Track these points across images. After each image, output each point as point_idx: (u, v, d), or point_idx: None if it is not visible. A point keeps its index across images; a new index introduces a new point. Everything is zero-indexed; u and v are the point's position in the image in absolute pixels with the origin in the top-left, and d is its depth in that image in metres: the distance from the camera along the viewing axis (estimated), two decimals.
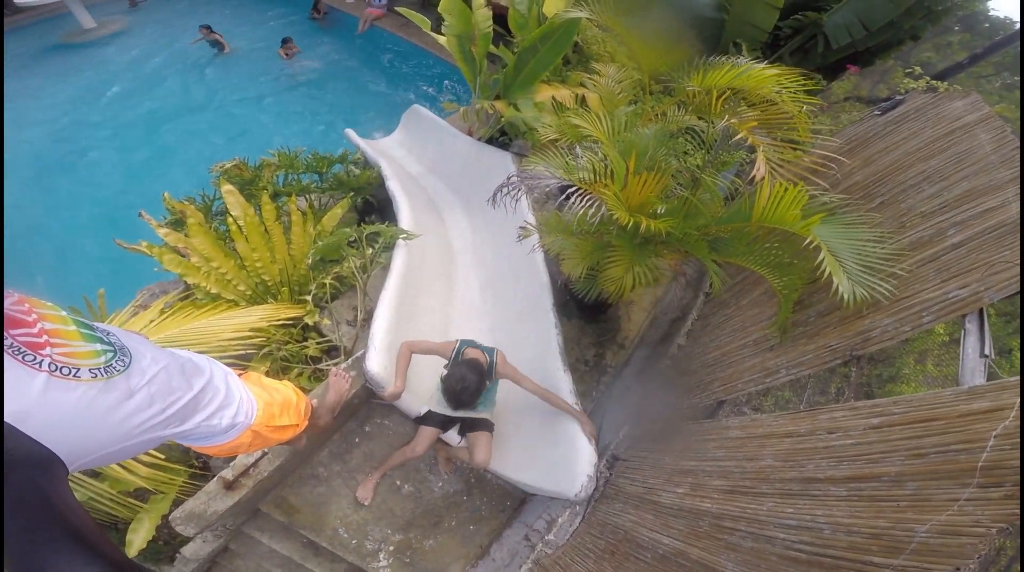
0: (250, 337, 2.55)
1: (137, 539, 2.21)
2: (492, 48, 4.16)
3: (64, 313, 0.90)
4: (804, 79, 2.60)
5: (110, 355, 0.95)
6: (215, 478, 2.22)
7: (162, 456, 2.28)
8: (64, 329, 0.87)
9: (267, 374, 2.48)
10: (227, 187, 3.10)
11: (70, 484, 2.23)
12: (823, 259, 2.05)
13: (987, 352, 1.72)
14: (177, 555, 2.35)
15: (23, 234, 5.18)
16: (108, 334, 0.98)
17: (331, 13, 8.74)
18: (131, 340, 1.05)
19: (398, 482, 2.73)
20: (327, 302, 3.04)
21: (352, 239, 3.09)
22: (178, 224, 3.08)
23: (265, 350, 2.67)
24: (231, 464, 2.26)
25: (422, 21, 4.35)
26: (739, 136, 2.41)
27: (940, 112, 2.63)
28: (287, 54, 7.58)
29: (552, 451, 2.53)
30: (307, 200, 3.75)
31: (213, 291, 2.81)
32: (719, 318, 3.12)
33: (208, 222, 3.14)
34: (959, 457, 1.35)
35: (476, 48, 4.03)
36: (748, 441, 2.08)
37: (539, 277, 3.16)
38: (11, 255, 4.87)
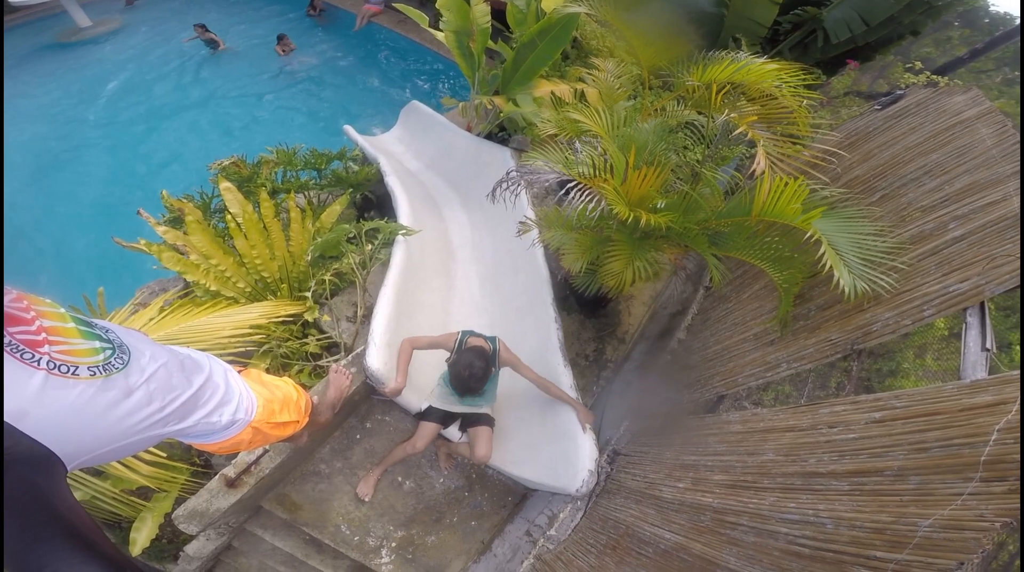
0: (250, 334, 2.54)
1: (141, 537, 2.21)
2: (490, 44, 4.14)
3: (63, 310, 0.89)
4: (804, 74, 2.59)
5: (109, 353, 0.94)
6: (217, 476, 2.22)
7: (164, 454, 2.28)
8: (62, 327, 0.86)
9: (267, 371, 2.48)
10: (225, 184, 3.08)
11: (73, 482, 2.24)
12: (824, 253, 2.05)
13: (988, 346, 1.72)
14: (181, 553, 2.35)
15: (21, 233, 5.17)
16: (107, 331, 0.97)
17: (328, 10, 8.69)
18: (130, 337, 1.04)
19: (399, 478, 2.73)
20: (327, 299, 3.04)
21: (351, 235, 3.08)
22: (177, 222, 3.07)
23: (265, 347, 2.67)
24: (233, 462, 2.26)
25: (420, 17, 4.32)
26: (739, 130, 2.40)
27: (941, 107, 2.62)
28: (283, 51, 7.54)
29: (553, 446, 2.53)
30: (306, 197, 3.74)
31: (212, 289, 2.81)
32: (719, 312, 3.12)
33: (207, 220, 3.12)
34: (962, 451, 1.34)
35: (474, 44, 4.01)
36: (749, 435, 2.08)
37: (539, 272, 3.16)
38: (9, 254, 4.86)
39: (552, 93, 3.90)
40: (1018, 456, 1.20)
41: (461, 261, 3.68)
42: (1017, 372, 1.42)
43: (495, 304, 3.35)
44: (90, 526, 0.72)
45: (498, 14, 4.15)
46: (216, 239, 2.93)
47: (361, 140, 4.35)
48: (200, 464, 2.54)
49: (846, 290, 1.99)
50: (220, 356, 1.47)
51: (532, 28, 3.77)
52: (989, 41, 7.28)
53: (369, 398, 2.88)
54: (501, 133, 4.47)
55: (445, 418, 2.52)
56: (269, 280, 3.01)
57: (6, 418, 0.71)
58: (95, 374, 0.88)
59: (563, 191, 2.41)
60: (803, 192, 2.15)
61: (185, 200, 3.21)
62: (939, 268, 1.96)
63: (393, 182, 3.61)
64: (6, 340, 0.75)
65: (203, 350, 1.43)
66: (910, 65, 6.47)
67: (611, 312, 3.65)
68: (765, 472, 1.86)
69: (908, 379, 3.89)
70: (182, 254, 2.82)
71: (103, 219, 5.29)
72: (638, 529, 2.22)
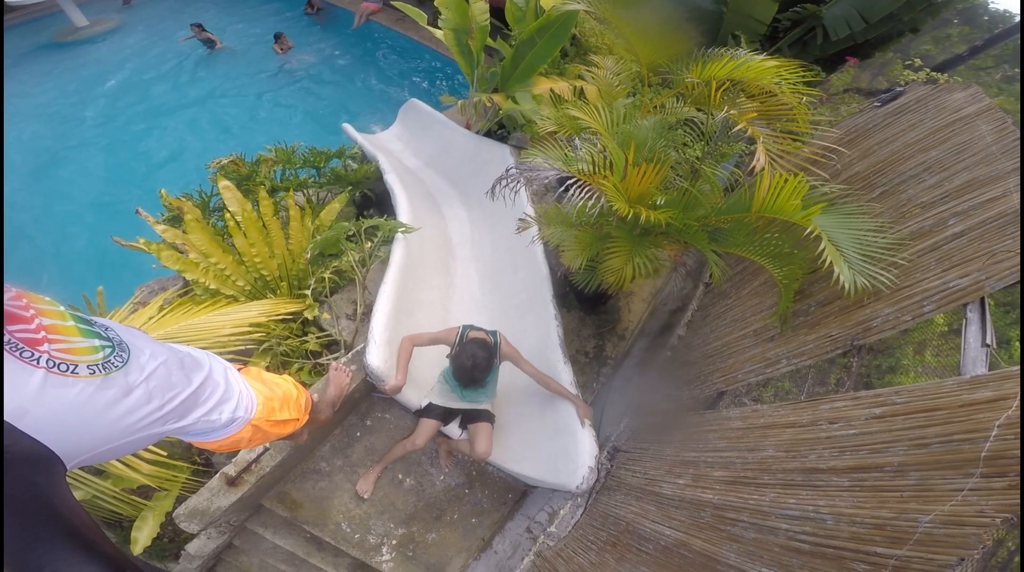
0: (250, 332, 2.54)
1: (142, 536, 2.21)
2: (489, 41, 4.13)
3: (62, 308, 0.89)
4: (803, 71, 2.59)
5: (108, 351, 0.94)
6: (218, 474, 2.23)
7: (164, 453, 2.28)
8: (62, 325, 0.86)
9: (267, 369, 2.48)
10: (224, 183, 3.07)
11: (74, 481, 2.24)
12: (824, 248, 2.05)
13: (988, 341, 1.72)
14: (182, 552, 2.36)
15: (20, 233, 5.16)
16: (106, 329, 0.97)
17: (327, 8, 8.67)
18: (130, 335, 1.04)
19: (400, 476, 2.73)
20: (326, 296, 3.04)
21: (351, 233, 3.08)
22: (175, 221, 3.06)
23: (265, 345, 2.66)
24: (233, 460, 2.26)
25: (418, 15, 4.31)
26: (738, 127, 2.40)
27: (940, 103, 2.62)
28: (281, 49, 7.53)
29: (553, 443, 2.53)
30: (305, 195, 3.74)
31: (212, 287, 2.80)
32: (719, 308, 3.12)
33: (206, 218, 3.12)
34: (962, 447, 1.34)
35: (473, 41, 4.00)
36: (749, 432, 2.08)
37: (538, 269, 3.16)
38: (8, 254, 4.86)
39: (551, 90, 3.89)
40: (1018, 452, 1.20)
41: (460, 258, 3.68)
42: (1017, 368, 1.42)
43: (495, 301, 3.35)
44: (90, 525, 0.72)
45: (497, 12, 4.14)
46: (215, 237, 2.93)
47: (360, 138, 4.34)
48: (201, 463, 2.54)
49: (846, 286, 1.99)
50: (220, 354, 1.47)
51: (531, 25, 3.76)
52: (988, 38, 7.28)
53: (369, 396, 2.88)
54: (500, 131, 4.46)
55: (445, 415, 2.52)
56: (268, 278, 3.01)
57: (6, 417, 0.71)
58: (95, 372, 0.88)
59: (563, 188, 2.40)
60: (803, 188, 2.15)
61: (184, 199, 3.20)
62: (939, 264, 1.96)
63: (392, 180, 3.61)
64: (5, 338, 0.74)
65: (203, 348, 1.43)
66: (910, 62, 6.46)
67: (611, 309, 3.65)
68: (765, 468, 1.86)
69: (908, 375, 3.89)
70: (181, 253, 2.82)
71: (102, 218, 5.29)
72: (638, 526, 2.23)
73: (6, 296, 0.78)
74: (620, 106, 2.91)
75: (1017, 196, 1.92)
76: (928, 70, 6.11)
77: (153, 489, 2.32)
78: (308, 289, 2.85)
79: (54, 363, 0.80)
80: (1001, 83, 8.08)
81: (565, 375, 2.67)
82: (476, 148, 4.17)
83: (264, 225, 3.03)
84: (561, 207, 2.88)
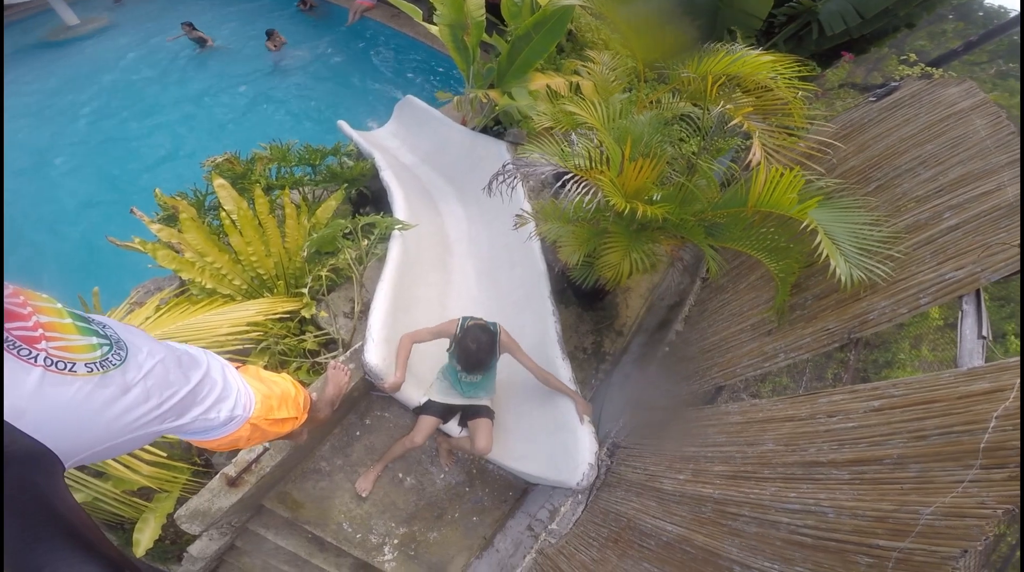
0: (247, 332, 2.53)
1: (144, 538, 2.20)
2: (485, 37, 4.12)
3: (59, 306, 0.88)
4: (799, 66, 2.59)
5: (106, 349, 0.93)
6: (218, 475, 2.22)
7: (164, 454, 2.27)
8: (60, 322, 0.85)
9: (265, 368, 2.47)
10: (219, 181, 3.05)
11: (74, 484, 2.22)
12: (820, 242, 2.06)
13: (985, 333, 1.73)
14: (184, 554, 2.35)
15: (16, 235, 5.11)
16: (104, 327, 0.96)
17: (321, 5, 8.63)
18: (127, 333, 1.03)
19: (400, 475, 2.73)
20: (324, 295, 3.02)
21: (347, 231, 3.07)
22: (171, 220, 3.04)
23: (263, 344, 2.65)
24: (233, 460, 2.25)
25: (413, 11, 4.29)
26: (734, 122, 2.40)
27: (935, 98, 2.63)
28: (274, 46, 7.48)
29: (553, 440, 2.53)
30: (300, 193, 3.72)
31: (208, 286, 2.79)
32: (716, 303, 3.12)
33: (201, 217, 3.10)
34: (961, 438, 1.35)
35: (469, 37, 3.98)
36: (749, 426, 2.09)
37: (536, 265, 3.15)
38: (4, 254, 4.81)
39: (547, 86, 3.89)
40: (1017, 443, 1.21)
41: (458, 255, 3.67)
42: (1013, 359, 1.43)
43: (492, 298, 3.35)
44: (89, 525, 0.72)
45: (492, 7, 4.12)
46: (211, 236, 2.91)
47: (355, 135, 4.32)
48: (201, 464, 2.53)
49: (843, 279, 2.00)
50: (217, 354, 1.46)
51: (527, 21, 3.75)
52: (983, 34, 7.32)
53: (368, 394, 2.87)
54: (496, 127, 4.45)
55: (445, 412, 2.52)
56: (265, 277, 2.99)
57: (4, 416, 0.70)
58: (92, 371, 0.87)
59: (559, 184, 2.40)
60: (799, 182, 2.16)
61: (179, 198, 3.17)
62: (934, 257, 1.97)
63: (388, 177, 3.59)
64: (4, 336, 0.74)
65: (200, 348, 1.42)
66: (904, 57, 6.50)
67: (608, 305, 3.65)
68: (765, 462, 1.86)
69: (905, 370, 3.92)
70: (177, 252, 2.80)
71: (95, 218, 5.24)
72: (640, 522, 2.23)
73: (4, 293, 0.77)
74: (616, 101, 2.90)
75: (1012, 189, 1.93)
76: (923, 65, 6.15)
77: (153, 491, 2.31)
78: (305, 287, 2.84)
79: (52, 361, 0.79)
80: (995, 78, 8.14)
81: (564, 371, 2.67)
82: (472, 144, 4.16)
83: (260, 223, 3.02)
84: (558, 203, 2.88)
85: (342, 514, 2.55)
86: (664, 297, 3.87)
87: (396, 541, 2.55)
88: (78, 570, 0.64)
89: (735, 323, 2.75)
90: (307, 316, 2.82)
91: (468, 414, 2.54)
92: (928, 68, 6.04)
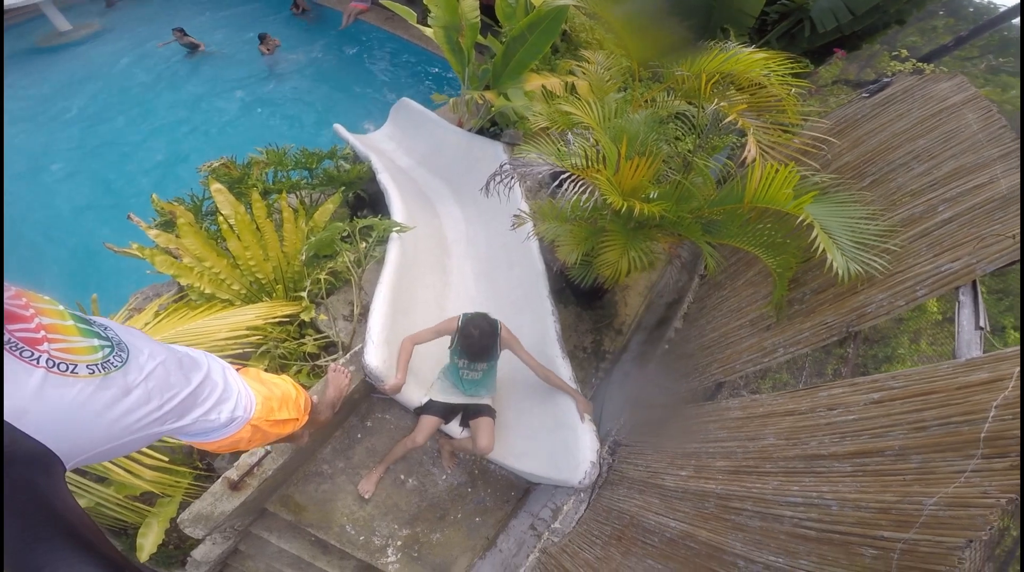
0: (247, 336, 2.52)
1: (147, 543, 2.20)
2: (480, 38, 4.13)
3: (61, 308, 0.88)
4: (791, 62, 2.61)
5: (107, 350, 0.93)
6: (220, 479, 2.22)
7: (166, 458, 2.27)
8: (61, 324, 0.85)
9: (265, 372, 2.46)
10: (216, 186, 3.05)
11: (76, 489, 2.21)
12: (816, 237, 2.07)
13: (982, 324, 1.74)
14: (188, 558, 2.35)
15: (11, 240, 5.08)
16: (105, 329, 0.96)
17: (314, 9, 8.63)
18: (128, 335, 1.02)
19: (402, 476, 2.73)
20: (323, 298, 3.02)
21: (345, 234, 3.07)
22: (168, 225, 3.03)
23: (262, 348, 2.65)
24: (235, 464, 2.25)
25: (408, 14, 4.30)
26: (729, 119, 2.42)
27: (927, 93, 2.65)
28: (268, 49, 7.46)
29: (554, 439, 2.54)
30: (298, 197, 3.71)
31: (207, 291, 2.78)
32: (715, 300, 3.13)
33: (198, 222, 3.09)
34: (961, 429, 1.35)
35: (464, 39, 3.99)
36: (749, 421, 2.09)
37: (534, 265, 3.16)
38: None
39: (543, 86, 3.90)
40: (1018, 432, 1.21)
41: (456, 256, 3.68)
42: (1011, 349, 1.44)
43: (491, 298, 3.35)
44: (89, 525, 0.71)
45: (487, 9, 4.13)
46: (209, 241, 2.91)
47: (352, 138, 4.32)
48: (203, 468, 2.52)
49: (840, 272, 2.01)
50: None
51: (521, 22, 3.76)
52: (973, 29, 7.38)
53: (369, 396, 2.87)
54: (493, 128, 4.46)
55: (446, 411, 2.52)
56: (264, 281, 2.99)
57: (5, 417, 0.70)
58: (94, 372, 0.87)
59: (556, 183, 2.41)
60: (794, 178, 2.17)
61: (176, 203, 3.17)
62: (930, 249, 1.98)
63: (385, 179, 3.60)
64: (5, 338, 0.74)
65: None
66: (896, 53, 6.54)
67: (607, 303, 3.66)
68: (767, 457, 1.87)
69: (904, 364, 3.93)
70: (175, 257, 2.79)
71: (92, 224, 5.22)
72: (643, 519, 2.23)
73: (5, 295, 0.77)
74: (611, 101, 2.92)
75: (1004, 182, 1.95)
76: (914, 61, 6.20)
77: (156, 495, 2.30)
78: (304, 291, 2.83)
79: (54, 363, 0.79)
80: (986, 73, 8.20)
81: (564, 370, 2.67)
82: (469, 146, 4.16)
83: (258, 228, 3.01)
84: (555, 202, 2.89)
85: (345, 516, 2.55)
86: (663, 295, 3.88)
87: (399, 543, 2.55)
88: (78, 570, 0.64)
89: (734, 319, 2.76)
90: (306, 319, 2.82)
91: (469, 413, 2.54)
92: (920, 64, 6.09)
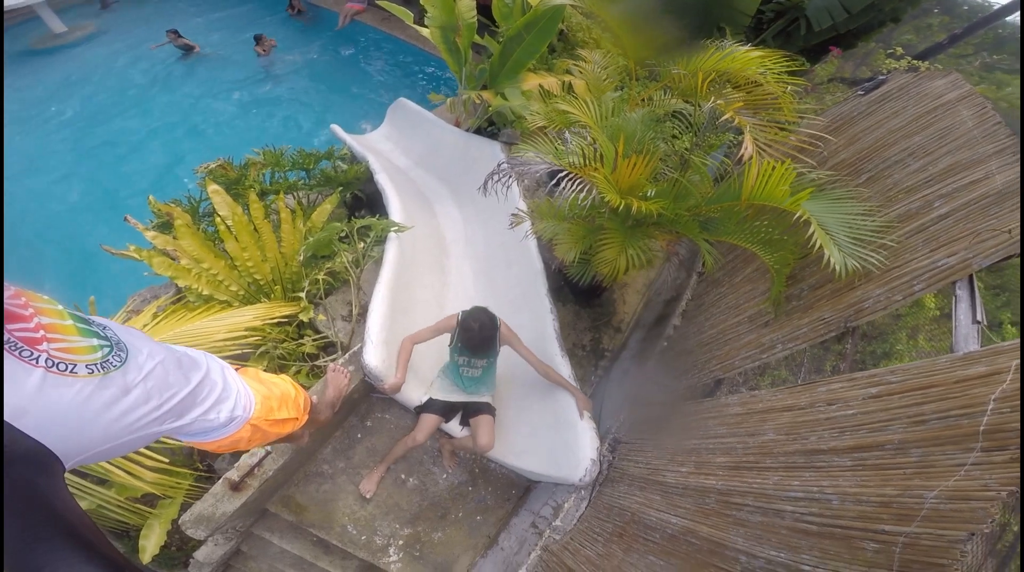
0: (245, 337, 2.52)
1: (150, 545, 2.21)
2: (477, 38, 4.13)
3: (60, 307, 0.88)
4: (787, 60, 2.62)
5: (107, 350, 0.93)
6: (221, 480, 2.21)
7: (166, 460, 2.26)
8: (61, 324, 0.85)
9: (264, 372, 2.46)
10: (213, 187, 3.04)
11: (78, 492, 2.20)
12: (813, 233, 2.08)
13: (979, 318, 1.75)
14: (191, 560, 2.35)
15: (8, 242, 5.06)
16: (104, 328, 0.96)
17: (311, 10, 8.62)
18: (127, 334, 1.02)
19: (403, 476, 2.72)
20: (321, 298, 3.02)
21: (343, 234, 3.06)
22: (165, 227, 3.02)
23: (261, 349, 2.64)
24: (236, 465, 2.25)
25: (404, 14, 4.30)
26: (725, 117, 2.42)
27: (922, 91, 2.66)
28: (264, 50, 7.45)
29: (554, 437, 2.54)
30: (295, 198, 3.71)
31: (205, 293, 2.77)
32: (713, 296, 3.14)
33: (196, 224, 3.08)
34: (960, 422, 1.36)
35: (461, 39, 3.99)
36: (749, 417, 2.10)
37: (532, 263, 3.16)
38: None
39: (540, 86, 3.90)
40: (1017, 425, 1.22)
41: (454, 256, 3.68)
42: (1008, 342, 1.44)
43: (490, 297, 3.35)
44: (88, 525, 0.71)
45: (483, 8, 4.14)
46: (206, 243, 2.90)
47: (349, 139, 4.32)
48: (203, 469, 2.52)
49: (837, 268, 2.02)
50: None
51: (518, 21, 3.76)
52: (967, 27, 7.43)
53: (368, 396, 2.87)
54: (490, 128, 4.46)
55: (447, 410, 2.52)
56: (262, 282, 2.98)
57: (5, 417, 0.70)
58: (93, 372, 0.87)
59: (554, 182, 2.42)
60: (790, 175, 2.18)
61: (173, 205, 3.16)
62: (926, 244, 1.99)
63: (383, 179, 3.59)
64: (5, 337, 0.73)
65: None
66: (891, 51, 6.57)
67: (606, 301, 3.66)
68: (767, 452, 1.87)
69: (902, 360, 3.95)
70: (173, 259, 2.79)
71: (88, 226, 5.20)
72: (644, 515, 2.24)
73: (5, 294, 0.77)
74: (608, 99, 2.92)
75: (1000, 177, 1.96)
76: (909, 58, 6.22)
77: (157, 497, 2.30)
78: (302, 292, 2.83)
79: (53, 362, 0.79)
80: (981, 71, 8.25)
81: (563, 368, 2.68)
82: (466, 145, 4.17)
83: (255, 229, 3.01)
84: (553, 201, 2.89)
85: (346, 516, 2.55)
86: (661, 292, 3.89)
87: (401, 542, 2.55)
88: (78, 570, 0.64)
89: (732, 316, 2.77)
90: (305, 320, 2.81)
91: (469, 411, 2.54)
92: (915, 61, 6.12)
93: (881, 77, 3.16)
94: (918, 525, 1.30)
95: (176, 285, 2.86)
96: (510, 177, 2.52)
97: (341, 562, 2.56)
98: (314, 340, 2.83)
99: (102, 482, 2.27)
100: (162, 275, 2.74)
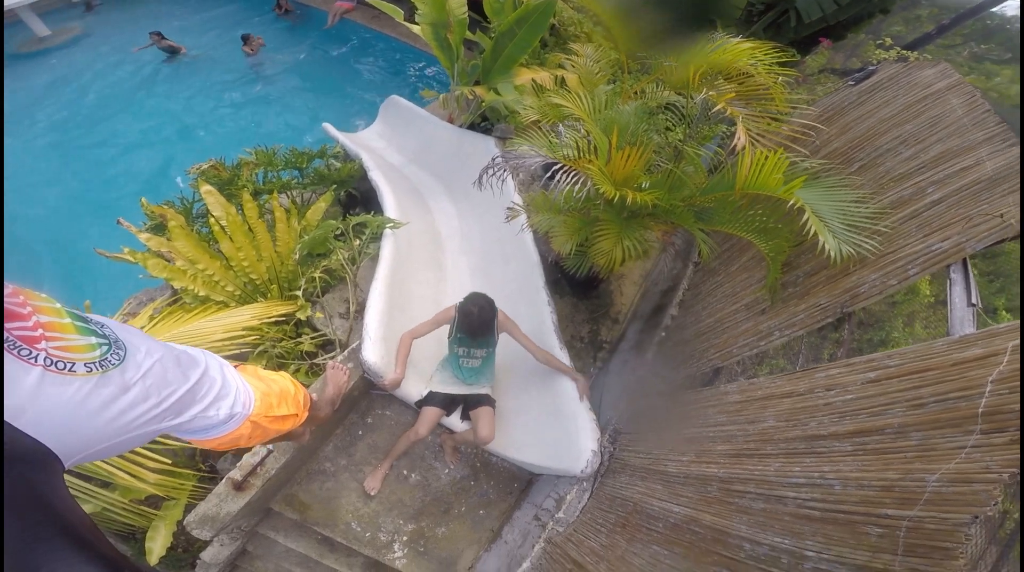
0: (243, 336, 2.51)
1: (156, 547, 2.20)
2: (468, 34, 4.12)
3: (58, 306, 0.87)
4: (778, 52, 2.63)
5: (105, 348, 0.92)
6: (224, 480, 2.21)
7: (169, 461, 2.25)
8: (59, 322, 0.84)
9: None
10: (206, 188, 3.02)
11: (81, 495, 2.19)
12: (807, 220, 2.09)
13: (974, 301, 1.77)
14: (197, 561, 2.34)
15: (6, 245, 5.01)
16: (102, 327, 0.95)
17: (299, 9, 8.54)
18: (126, 333, 1.01)
19: (405, 472, 2.72)
20: (318, 296, 3.00)
21: (339, 231, 3.05)
22: (158, 229, 2.99)
23: (260, 348, 2.63)
24: (238, 464, 2.24)
25: (394, 11, 4.27)
26: (718, 108, 2.43)
27: (912, 80, 2.68)
28: (252, 50, 7.37)
29: (554, 429, 2.54)
30: (289, 197, 3.69)
31: (201, 294, 2.75)
32: (710, 286, 3.16)
33: (190, 225, 3.06)
34: (958, 405, 1.37)
35: (452, 35, 3.97)
36: (748, 404, 2.11)
37: (529, 257, 3.16)
38: None
39: (533, 80, 3.89)
40: (1016, 406, 1.22)
41: (450, 252, 3.67)
42: (1004, 325, 1.46)
43: (487, 291, 3.28)
44: (88, 524, 0.71)
45: (474, 4, 4.12)
46: (201, 243, 2.88)
47: (341, 137, 4.30)
48: (206, 470, 2.52)
49: (832, 254, 2.03)
50: None
51: (510, 16, 3.75)
52: (955, 18, 7.48)
53: (368, 393, 2.86)
54: (484, 123, 4.45)
55: (447, 402, 2.52)
56: (258, 281, 2.97)
57: (4, 416, 0.69)
58: (92, 370, 0.86)
59: (548, 175, 2.42)
60: (783, 163, 2.19)
61: (166, 206, 3.13)
62: (920, 230, 2.01)
63: (377, 177, 3.58)
64: (4, 336, 0.73)
65: None
66: (881, 42, 6.61)
67: (603, 293, 3.67)
68: (767, 439, 1.88)
69: (899, 347, 3.98)
70: (168, 261, 2.76)
71: (80, 230, 5.14)
72: (646, 505, 2.25)
73: (4, 293, 0.76)
74: (601, 93, 2.92)
75: (990, 163, 1.99)
76: (899, 49, 6.26)
77: (161, 499, 2.29)
78: (299, 290, 2.82)
79: (51, 361, 0.78)
80: (970, 61, 8.31)
81: (562, 360, 2.68)
82: (460, 141, 4.16)
83: (250, 228, 2.99)
84: (548, 194, 2.89)
85: (350, 514, 2.54)
86: (658, 283, 3.91)
87: (405, 538, 2.55)
88: (78, 570, 0.64)
89: (729, 304, 2.79)
90: (302, 318, 2.80)
91: (470, 404, 2.55)
92: (904, 52, 6.15)
93: (871, 67, 3.18)
94: (921, 508, 1.30)
95: (172, 287, 2.84)
96: (505, 171, 2.52)
97: (346, 559, 2.56)
98: (312, 338, 2.82)
99: (106, 485, 2.26)
100: (158, 277, 2.72)
